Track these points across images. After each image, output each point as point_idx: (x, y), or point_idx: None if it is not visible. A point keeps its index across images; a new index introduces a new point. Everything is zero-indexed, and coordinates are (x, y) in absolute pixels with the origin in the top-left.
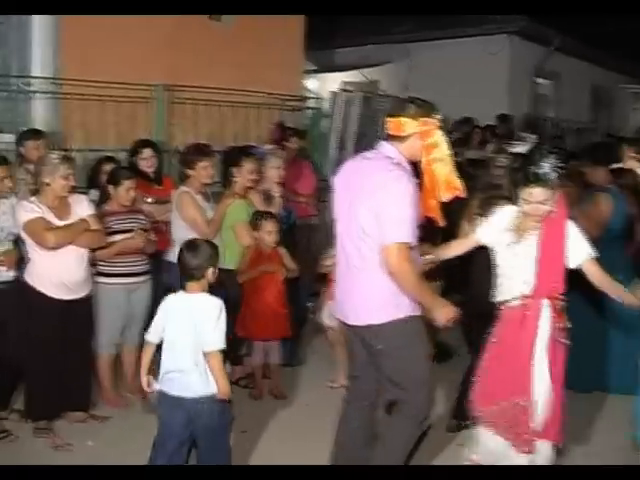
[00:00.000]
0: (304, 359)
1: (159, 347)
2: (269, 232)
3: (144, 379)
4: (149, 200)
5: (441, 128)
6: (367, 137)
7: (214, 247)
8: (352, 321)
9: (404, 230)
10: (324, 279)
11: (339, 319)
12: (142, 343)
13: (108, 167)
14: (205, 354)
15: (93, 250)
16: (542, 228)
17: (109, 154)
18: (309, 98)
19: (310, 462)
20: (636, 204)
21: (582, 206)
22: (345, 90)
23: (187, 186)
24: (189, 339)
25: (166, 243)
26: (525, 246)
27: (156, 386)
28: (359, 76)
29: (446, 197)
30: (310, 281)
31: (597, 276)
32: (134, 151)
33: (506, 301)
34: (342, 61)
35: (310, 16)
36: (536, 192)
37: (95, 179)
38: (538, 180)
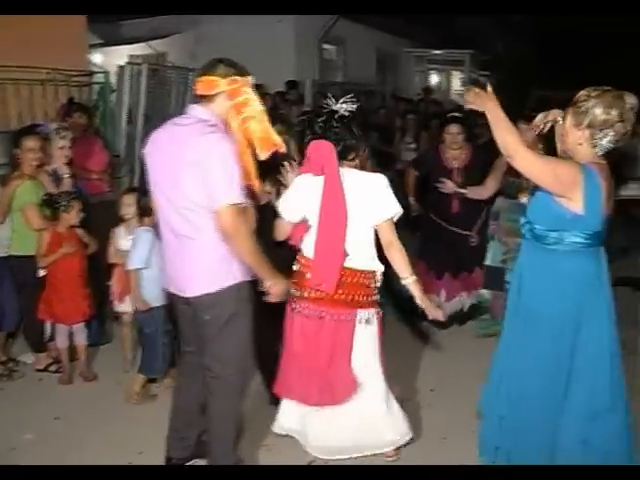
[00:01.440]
0: (112, 336)
1: None
2: (77, 212)
3: None
4: None
5: (251, 86)
6: (157, 110)
7: None
8: (188, 293)
9: (234, 191)
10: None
11: (171, 293)
12: None
13: None
14: None
15: None
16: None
17: None
18: (96, 73)
19: (128, 442)
20: None
21: None
22: (132, 63)
23: None
24: None
25: None
26: None
27: None
28: (147, 49)
29: (264, 154)
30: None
31: None
32: None
33: None
34: (129, 34)
35: None
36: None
37: None
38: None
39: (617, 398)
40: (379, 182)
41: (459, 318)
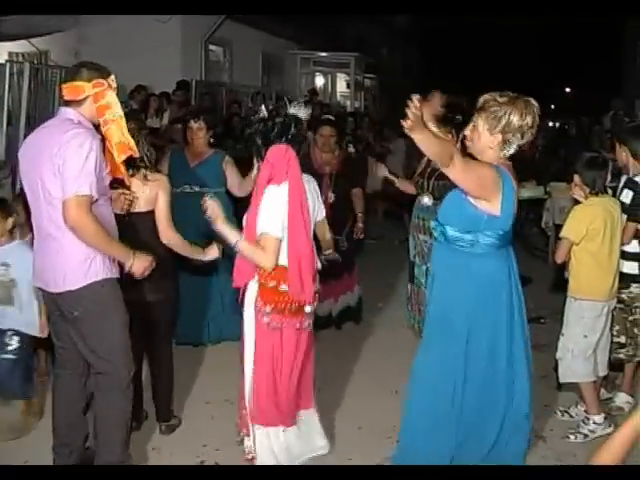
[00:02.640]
0: None
1: None
2: None
3: None
4: None
5: (114, 89)
6: (40, 110)
7: None
8: (51, 288)
9: (83, 182)
10: None
11: (40, 287)
12: None
13: None
14: None
15: None
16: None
17: None
18: None
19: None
20: None
21: None
22: (12, 61)
23: None
24: None
25: None
26: None
27: None
28: (28, 46)
29: (120, 158)
30: None
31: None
32: None
33: None
34: (8, 30)
35: None
36: None
37: None
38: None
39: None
40: (314, 183)
41: (336, 322)
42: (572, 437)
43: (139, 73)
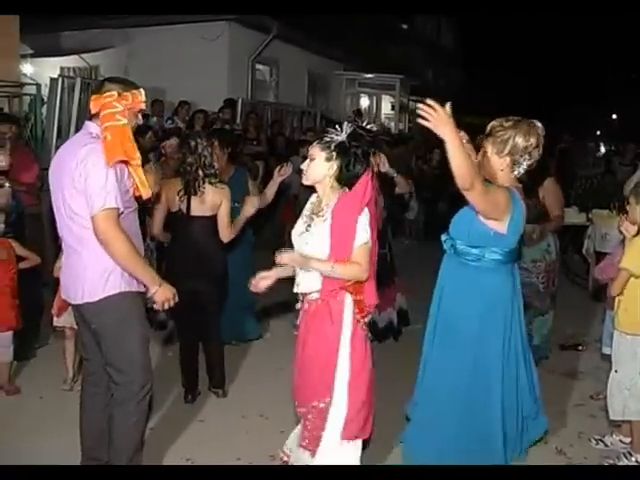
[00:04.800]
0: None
1: None
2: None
3: None
4: None
5: (141, 102)
6: None
7: None
8: (73, 300)
9: (107, 196)
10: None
11: (66, 301)
12: None
13: None
14: None
15: None
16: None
17: None
18: (27, 84)
19: (60, 455)
20: None
21: None
22: (65, 76)
23: None
24: None
25: None
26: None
27: None
28: (79, 61)
29: (112, 161)
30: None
31: None
32: None
33: (305, 294)
34: (62, 45)
35: None
36: None
37: None
38: None
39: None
40: None
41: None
42: None
43: (186, 90)
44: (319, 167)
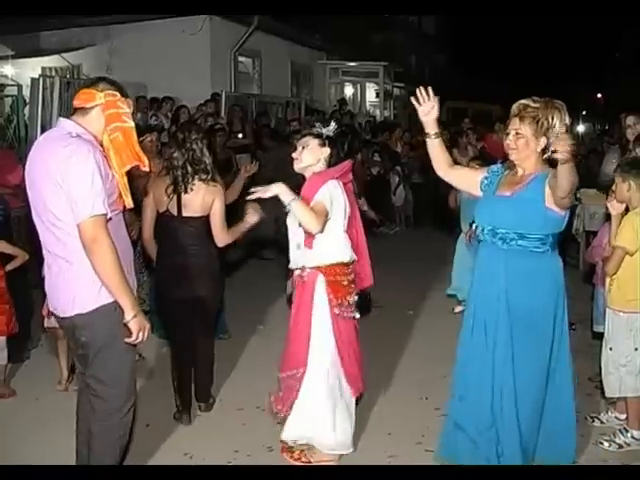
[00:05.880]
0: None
1: None
2: None
3: None
4: None
5: (130, 106)
6: None
7: None
8: (62, 313)
9: (96, 201)
10: None
11: (53, 313)
12: None
13: None
14: None
15: None
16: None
17: None
18: (7, 85)
19: (54, 457)
20: None
21: None
22: (45, 76)
23: None
24: None
25: None
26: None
27: None
28: (61, 61)
29: (123, 169)
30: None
31: None
32: None
33: (292, 270)
34: (43, 45)
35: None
36: None
37: None
38: None
39: None
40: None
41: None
42: (606, 444)
43: (169, 85)
44: (314, 151)
